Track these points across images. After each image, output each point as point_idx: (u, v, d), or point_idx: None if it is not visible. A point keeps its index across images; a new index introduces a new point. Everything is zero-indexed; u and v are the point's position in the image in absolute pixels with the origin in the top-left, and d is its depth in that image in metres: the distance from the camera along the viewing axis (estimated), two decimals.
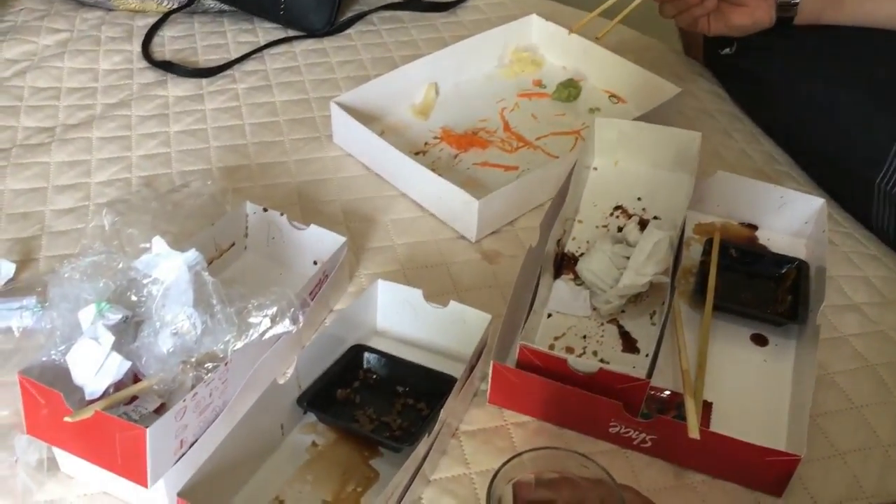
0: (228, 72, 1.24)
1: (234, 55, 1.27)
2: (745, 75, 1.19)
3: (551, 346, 0.82)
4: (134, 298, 0.71)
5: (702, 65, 1.31)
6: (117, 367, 0.67)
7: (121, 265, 0.69)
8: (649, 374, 0.74)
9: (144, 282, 0.70)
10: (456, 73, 1.18)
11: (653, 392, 0.78)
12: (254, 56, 1.27)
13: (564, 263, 0.88)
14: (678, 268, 0.84)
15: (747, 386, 0.81)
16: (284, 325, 0.71)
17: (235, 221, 0.90)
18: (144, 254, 0.69)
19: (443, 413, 0.70)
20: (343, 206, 1.01)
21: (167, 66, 1.24)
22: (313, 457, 0.72)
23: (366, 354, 0.80)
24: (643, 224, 0.89)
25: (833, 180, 1.02)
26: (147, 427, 0.64)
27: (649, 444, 0.75)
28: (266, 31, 1.33)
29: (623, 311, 0.85)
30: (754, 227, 0.97)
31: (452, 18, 1.38)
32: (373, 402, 0.77)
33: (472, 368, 0.76)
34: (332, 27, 1.32)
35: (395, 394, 0.78)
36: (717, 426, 0.76)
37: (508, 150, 1.09)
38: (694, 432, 0.70)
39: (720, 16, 1.09)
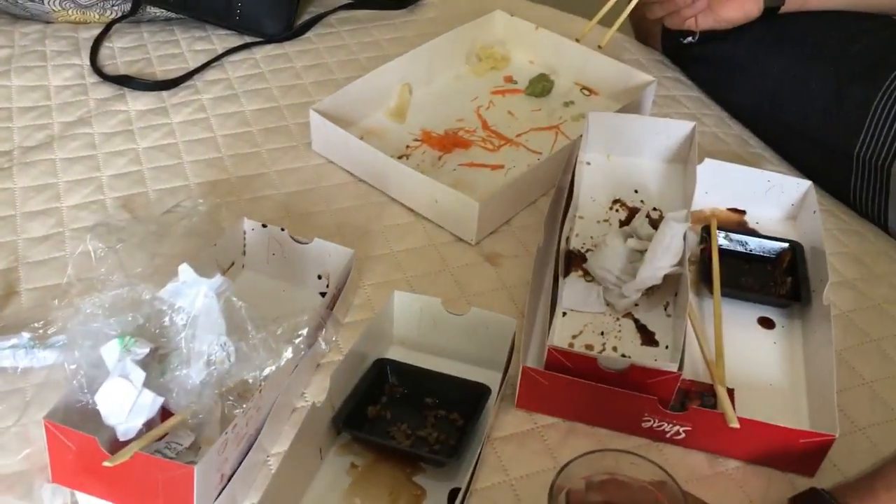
0: (189, 82, 1.20)
1: (192, 64, 1.23)
2: (709, 61, 1.21)
3: (570, 345, 0.82)
4: (156, 330, 0.68)
5: (660, 53, 1.33)
6: (150, 404, 0.65)
7: (145, 295, 0.65)
8: (680, 367, 0.74)
9: (166, 311, 0.67)
10: (427, 74, 1.17)
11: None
12: (213, 64, 1.23)
13: (573, 261, 0.89)
14: (687, 255, 0.85)
15: (762, 369, 0.83)
16: (318, 346, 0.69)
17: (233, 240, 0.87)
18: (170, 282, 0.66)
19: (488, 421, 0.69)
20: (334, 217, 0.99)
21: (124, 80, 1.19)
22: (356, 479, 0.71)
23: (389, 368, 0.79)
24: (651, 218, 0.89)
25: (811, 157, 1.05)
26: (194, 464, 0.61)
27: (683, 435, 0.76)
28: (221, 37, 1.29)
29: (637, 305, 0.85)
30: (742, 212, 0.99)
31: (410, 17, 1.36)
32: (404, 416, 0.76)
33: (505, 374, 0.75)
34: (291, 31, 1.29)
35: (425, 406, 0.77)
36: (741, 411, 0.77)
37: (491, 148, 1.08)
38: (733, 421, 0.71)
39: (709, 11, 1.10)
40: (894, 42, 1.04)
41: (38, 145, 1.08)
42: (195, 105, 1.16)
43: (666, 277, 0.85)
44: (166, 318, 0.68)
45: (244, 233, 0.88)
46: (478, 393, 0.75)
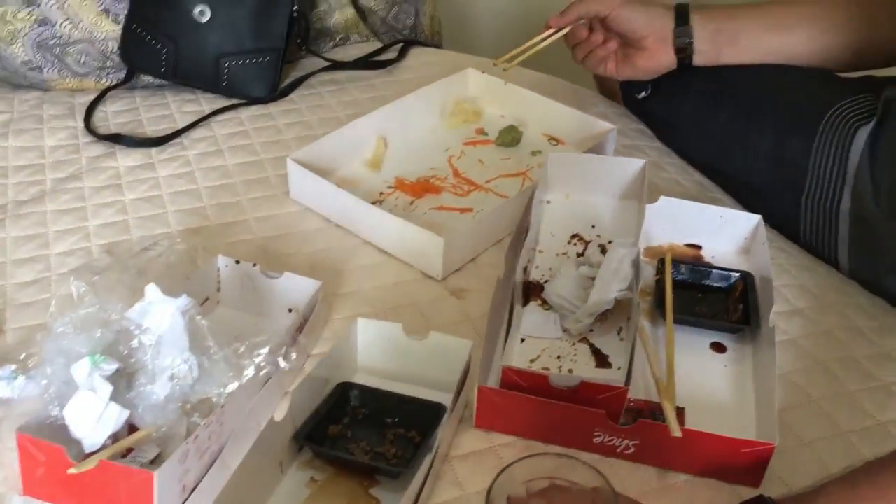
0: (177, 140, 1.26)
1: (181, 124, 1.29)
2: (661, 117, 1.27)
3: (528, 368, 0.86)
4: (125, 351, 0.72)
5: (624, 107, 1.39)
6: (116, 416, 0.68)
7: (114, 315, 0.70)
8: (626, 382, 0.78)
9: (135, 332, 0.72)
10: (402, 127, 1.23)
11: (629, 403, 0.82)
12: (201, 124, 1.30)
13: (531, 291, 0.93)
14: (639, 283, 0.89)
15: (714, 390, 0.86)
16: (278, 364, 0.73)
17: (208, 276, 0.92)
18: (138, 302, 0.70)
19: (439, 434, 0.73)
20: (308, 258, 1.04)
21: (115, 138, 1.25)
22: (314, 491, 0.74)
23: (352, 392, 0.82)
24: (603, 248, 0.94)
25: (761, 205, 1.08)
26: (153, 471, 0.65)
27: (632, 449, 0.78)
28: (209, 100, 1.36)
29: (592, 330, 0.89)
30: (699, 247, 1.04)
31: (389, 78, 1.44)
32: (365, 435, 0.79)
33: (458, 393, 0.79)
34: (275, 93, 1.36)
35: (384, 425, 0.80)
36: (691, 428, 0.81)
37: (461, 193, 1.14)
38: (675, 431, 0.75)
39: (627, 60, 1.16)
40: (820, 89, 1.10)
41: (30, 199, 1.14)
42: (181, 160, 1.22)
43: (619, 303, 0.89)
44: (135, 340, 0.72)
45: (218, 270, 0.93)
46: (435, 411, 0.79)
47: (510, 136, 1.23)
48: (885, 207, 0.97)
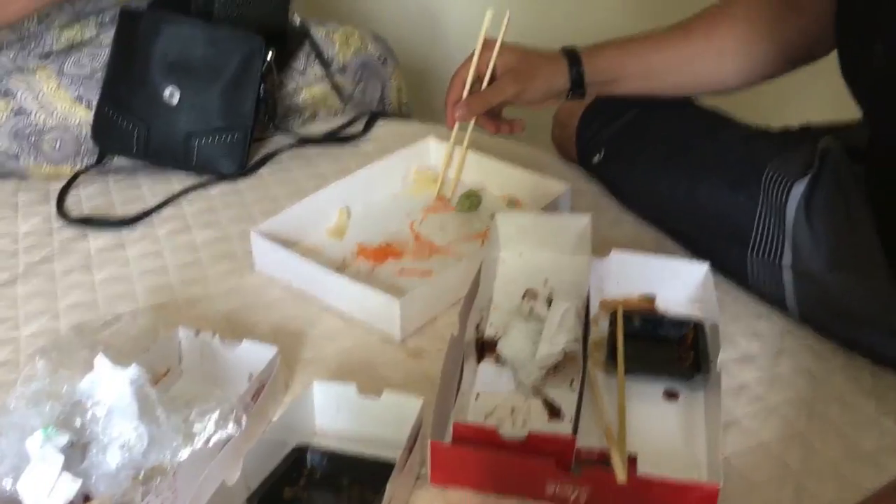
0: (147, 219, 1.30)
1: (152, 204, 1.33)
2: (614, 181, 1.30)
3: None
4: (79, 422, 0.74)
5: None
6: (69, 486, 0.70)
7: (65, 388, 0.72)
8: (574, 431, 0.79)
9: (88, 405, 0.74)
10: (365, 196, 1.27)
11: (582, 453, 0.83)
12: (171, 203, 1.33)
13: (486, 347, 0.95)
14: (588, 336, 0.91)
15: (666, 437, 0.87)
16: (229, 429, 0.74)
17: (169, 347, 0.94)
18: (87, 374, 0.72)
19: (388, 489, 0.74)
20: (271, 326, 1.06)
21: (85, 221, 1.29)
22: None
23: (308, 454, 0.84)
24: (549, 301, 0.96)
25: (711, 259, 1.09)
26: None
27: (585, 497, 0.79)
28: (181, 179, 1.40)
29: (545, 383, 0.91)
30: (652, 299, 1.06)
31: (356, 150, 1.48)
32: (321, 497, 0.80)
33: (410, 449, 0.80)
34: (244, 170, 1.41)
35: (340, 487, 0.81)
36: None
37: (422, 256, 1.16)
38: (621, 476, 0.76)
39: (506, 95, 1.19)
40: (758, 146, 1.13)
41: (2, 283, 1.17)
42: (150, 238, 1.25)
43: (569, 357, 0.91)
44: (89, 412, 0.74)
45: (179, 342, 0.95)
46: (390, 470, 0.80)
47: (469, 202, 1.26)
48: (825, 259, 0.99)
